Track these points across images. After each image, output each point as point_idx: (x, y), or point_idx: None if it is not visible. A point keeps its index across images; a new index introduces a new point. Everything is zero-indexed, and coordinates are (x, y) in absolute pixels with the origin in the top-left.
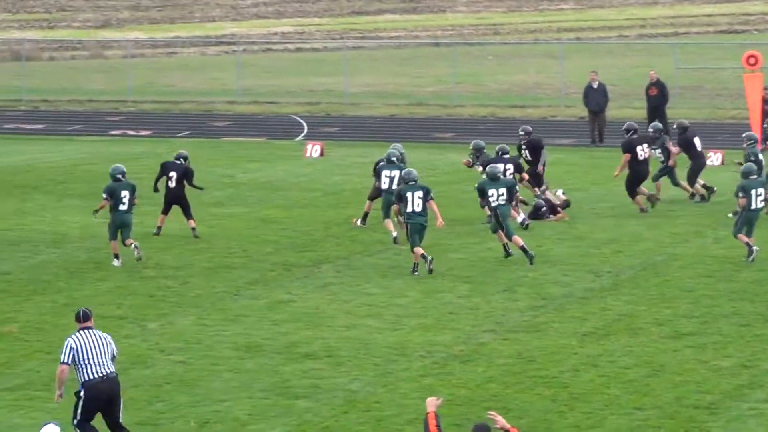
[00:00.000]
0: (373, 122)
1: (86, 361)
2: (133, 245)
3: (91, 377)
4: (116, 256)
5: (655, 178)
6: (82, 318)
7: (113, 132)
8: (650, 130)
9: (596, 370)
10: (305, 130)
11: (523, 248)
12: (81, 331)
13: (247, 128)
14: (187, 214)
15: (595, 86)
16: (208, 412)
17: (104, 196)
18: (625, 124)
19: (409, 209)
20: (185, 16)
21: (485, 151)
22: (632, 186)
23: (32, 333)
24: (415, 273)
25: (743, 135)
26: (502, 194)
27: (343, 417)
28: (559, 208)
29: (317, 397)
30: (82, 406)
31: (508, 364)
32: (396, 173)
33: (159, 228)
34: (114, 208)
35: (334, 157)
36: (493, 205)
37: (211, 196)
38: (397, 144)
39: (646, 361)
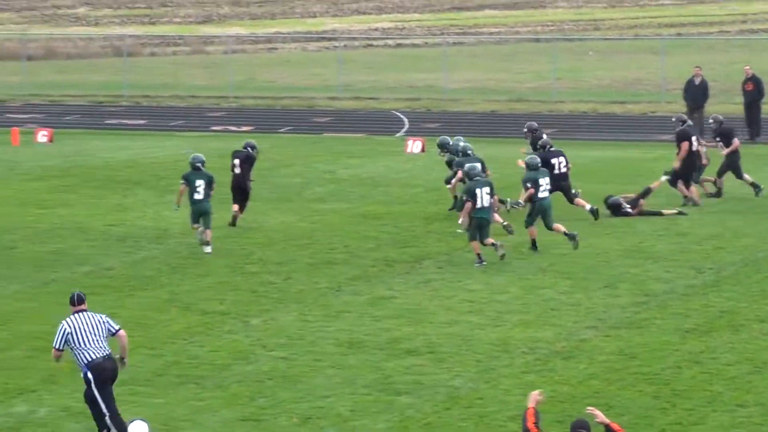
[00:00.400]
0: (473, 118)
1: (83, 344)
2: (198, 229)
3: (94, 357)
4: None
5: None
6: (77, 301)
7: (214, 127)
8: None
9: (698, 366)
10: (406, 126)
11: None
12: (75, 315)
13: (348, 124)
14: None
15: (697, 82)
16: (311, 408)
17: (181, 182)
18: (676, 116)
19: (478, 205)
20: (286, 12)
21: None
22: (678, 176)
23: (134, 328)
24: (484, 263)
25: None
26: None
27: (445, 413)
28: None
29: (419, 393)
30: (98, 390)
31: (610, 360)
32: (478, 165)
33: (234, 218)
34: (190, 197)
35: (435, 152)
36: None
37: (312, 192)
38: (458, 137)
39: (748, 358)
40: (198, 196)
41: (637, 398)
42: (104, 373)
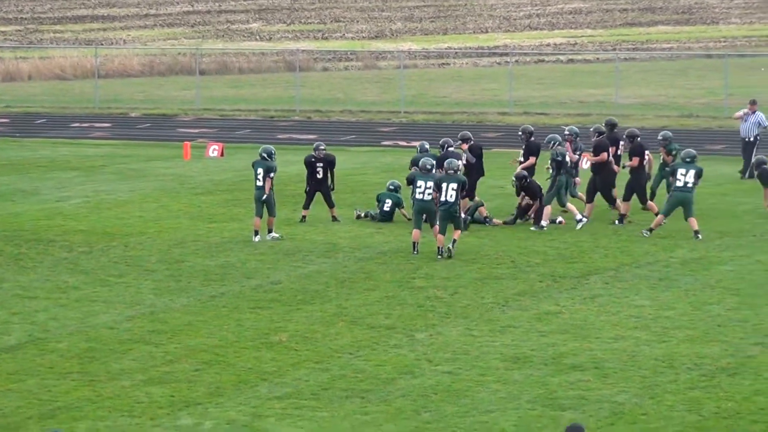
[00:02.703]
0: (643, 134)
1: None
2: (268, 237)
3: None
4: (255, 233)
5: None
6: None
7: (385, 142)
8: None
9: None
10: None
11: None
12: None
13: (517, 139)
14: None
15: None
16: (475, 423)
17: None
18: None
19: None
20: (458, 27)
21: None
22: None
23: (301, 342)
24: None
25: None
26: (429, 187)
27: (609, 429)
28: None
29: (583, 409)
30: None
31: None
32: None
33: (303, 216)
34: (255, 184)
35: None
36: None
37: None
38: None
39: None
40: (258, 183)
41: None
42: None
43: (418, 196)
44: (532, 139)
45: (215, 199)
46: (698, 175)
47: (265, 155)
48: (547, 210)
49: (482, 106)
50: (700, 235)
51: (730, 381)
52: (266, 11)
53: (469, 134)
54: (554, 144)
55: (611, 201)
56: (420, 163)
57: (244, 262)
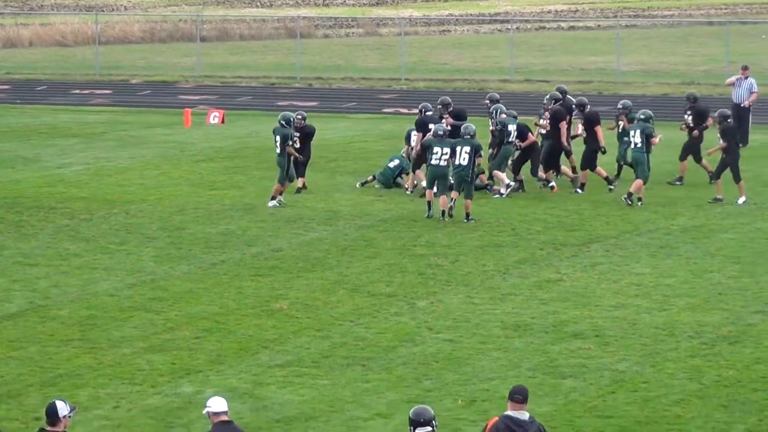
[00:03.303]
0: (644, 101)
1: None
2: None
3: None
4: (272, 197)
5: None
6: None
7: (386, 110)
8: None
9: None
10: (576, 109)
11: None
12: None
13: (519, 106)
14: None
15: None
16: (476, 391)
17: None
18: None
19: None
20: None
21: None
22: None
23: (302, 310)
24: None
25: None
26: (446, 153)
27: (610, 397)
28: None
29: (584, 377)
30: None
31: None
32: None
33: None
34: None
35: (607, 135)
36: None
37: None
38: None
39: None
40: (277, 150)
41: None
42: None
43: (434, 162)
44: (559, 104)
45: (216, 166)
46: (646, 135)
47: (284, 122)
48: (500, 176)
49: (483, 74)
50: (630, 201)
51: (730, 349)
52: None
53: (449, 99)
54: (498, 113)
55: (556, 168)
56: (434, 129)
57: (244, 230)
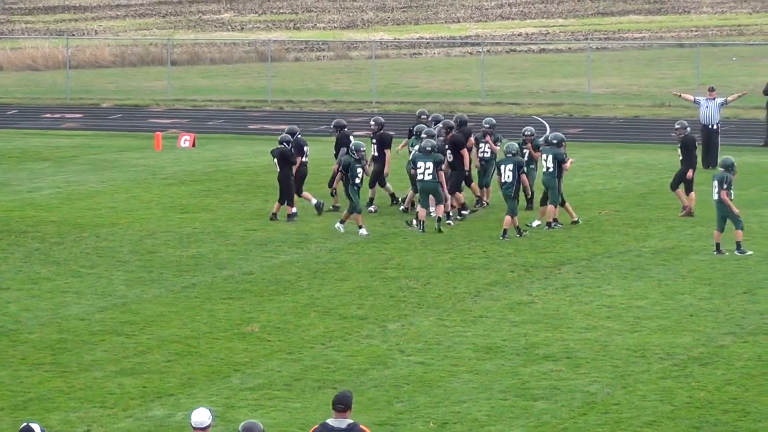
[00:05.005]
0: (615, 123)
1: None
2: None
3: None
4: (359, 227)
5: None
6: None
7: (357, 133)
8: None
9: None
10: (547, 131)
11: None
12: None
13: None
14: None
15: None
16: (447, 413)
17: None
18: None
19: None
20: (430, 17)
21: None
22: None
23: (274, 333)
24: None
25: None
26: (429, 168)
27: (581, 419)
28: None
29: (556, 399)
30: None
31: (748, 366)
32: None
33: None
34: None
35: (576, 158)
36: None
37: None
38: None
39: None
40: (357, 181)
41: None
42: None
43: (419, 177)
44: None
45: (187, 189)
46: (558, 160)
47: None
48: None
49: (454, 96)
50: (534, 224)
51: (702, 371)
52: (238, 1)
53: (451, 122)
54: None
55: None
56: (422, 144)
57: (216, 253)
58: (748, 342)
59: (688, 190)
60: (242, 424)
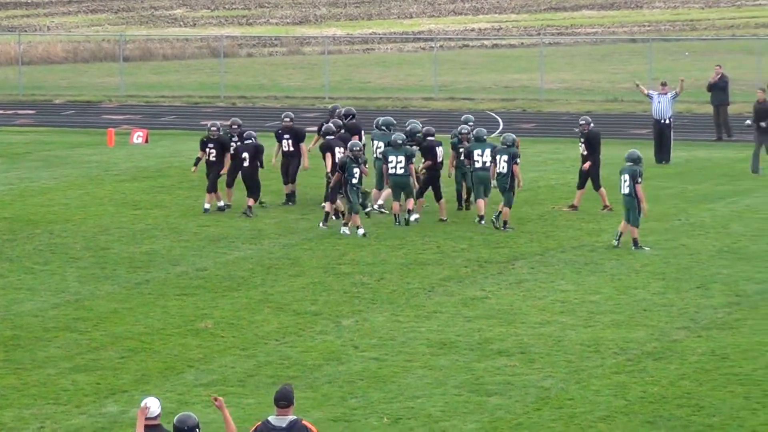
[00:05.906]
0: (568, 118)
1: None
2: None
3: None
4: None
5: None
6: None
7: (310, 128)
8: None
9: None
10: (500, 127)
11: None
12: None
13: (443, 125)
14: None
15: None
16: (402, 409)
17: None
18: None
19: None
20: (382, 13)
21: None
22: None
23: (227, 329)
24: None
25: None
26: (400, 161)
27: (535, 414)
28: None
29: (510, 394)
30: None
31: (702, 361)
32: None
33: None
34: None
35: (529, 153)
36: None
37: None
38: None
39: None
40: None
41: (728, 399)
42: None
43: (391, 171)
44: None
45: (140, 185)
46: (493, 153)
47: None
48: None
49: (407, 92)
50: (483, 221)
51: (655, 365)
52: None
53: (418, 127)
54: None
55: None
56: (393, 138)
57: (169, 249)
58: (702, 336)
59: (597, 186)
60: (177, 416)
